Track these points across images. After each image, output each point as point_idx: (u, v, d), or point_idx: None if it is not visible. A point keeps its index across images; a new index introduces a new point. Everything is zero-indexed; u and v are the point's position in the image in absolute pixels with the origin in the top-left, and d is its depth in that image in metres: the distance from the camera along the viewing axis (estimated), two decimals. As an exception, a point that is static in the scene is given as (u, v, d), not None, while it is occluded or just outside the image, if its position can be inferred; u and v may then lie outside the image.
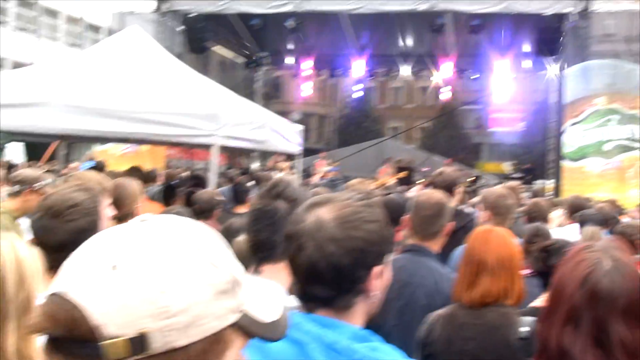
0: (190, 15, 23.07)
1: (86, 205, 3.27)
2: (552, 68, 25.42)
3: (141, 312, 1.11)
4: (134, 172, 9.02)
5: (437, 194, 4.56)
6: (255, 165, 26.26)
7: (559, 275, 2.37)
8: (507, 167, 52.81)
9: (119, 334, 1.09)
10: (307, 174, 23.66)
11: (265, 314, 1.30)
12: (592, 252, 2.34)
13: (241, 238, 3.91)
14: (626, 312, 2.18)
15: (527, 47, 26.08)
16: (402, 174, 24.68)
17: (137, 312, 1.11)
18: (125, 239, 1.19)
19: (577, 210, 8.44)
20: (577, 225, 7.72)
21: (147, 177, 9.25)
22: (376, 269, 1.97)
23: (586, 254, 2.34)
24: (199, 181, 10.31)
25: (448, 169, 6.78)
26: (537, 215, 7.30)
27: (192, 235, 1.23)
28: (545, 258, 4.12)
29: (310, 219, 1.96)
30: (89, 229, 3.07)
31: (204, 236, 1.25)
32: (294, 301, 2.06)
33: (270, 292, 1.38)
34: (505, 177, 30.37)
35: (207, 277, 1.19)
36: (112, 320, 1.10)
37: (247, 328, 1.25)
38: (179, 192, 9.28)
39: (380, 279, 2.00)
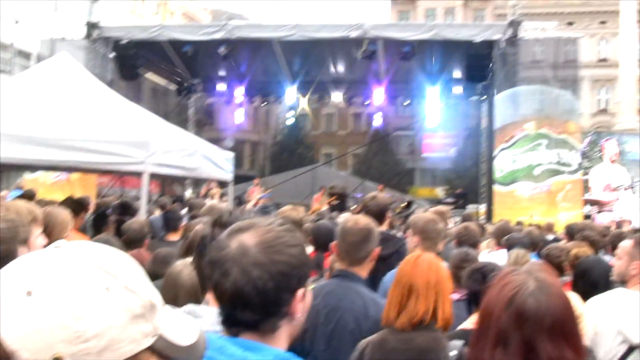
0: (122, 42, 22.93)
1: (2, 234, 3.24)
2: (482, 94, 25.84)
3: (56, 337, 1.12)
4: (68, 202, 8.86)
5: (363, 220, 4.57)
6: (188, 193, 26.11)
7: (486, 299, 2.41)
8: (439, 192, 53.56)
9: (34, 359, 1.10)
10: (240, 201, 23.63)
11: (182, 338, 1.31)
12: (517, 275, 2.38)
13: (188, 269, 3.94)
14: (553, 330, 2.22)
15: (457, 74, 26.47)
16: (334, 200, 24.81)
17: (52, 337, 1.11)
18: (40, 266, 1.20)
19: (504, 235, 8.59)
20: (504, 251, 7.85)
21: (80, 206, 9.08)
22: (299, 292, 2.00)
23: (511, 277, 2.38)
24: (126, 209, 10.22)
25: (380, 194, 6.82)
26: (467, 239, 7.38)
27: (106, 260, 1.24)
28: (481, 279, 4.20)
29: (234, 245, 1.98)
30: (4, 257, 3.03)
31: (118, 262, 1.26)
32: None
33: (187, 317, 1.40)
34: (438, 202, 30.68)
35: (122, 302, 1.20)
36: (27, 345, 1.10)
37: (163, 351, 1.26)
38: (110, 221, 9.19)
39: (302, 302, 2.03)
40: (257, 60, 25.39)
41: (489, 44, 21.72)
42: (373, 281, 4.99)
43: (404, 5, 66.46)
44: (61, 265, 1.20)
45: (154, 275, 3.41)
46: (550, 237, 11.70)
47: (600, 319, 4.65)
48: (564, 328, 2.25)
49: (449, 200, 31.19)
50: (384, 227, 6.47)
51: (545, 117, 20.89)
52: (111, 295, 1.19)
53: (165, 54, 24.89)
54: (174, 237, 8.43)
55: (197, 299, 3.72)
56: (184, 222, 8.98)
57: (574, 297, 5.40)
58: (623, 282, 4.91)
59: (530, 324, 2.22)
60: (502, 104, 21.43)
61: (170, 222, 9.01)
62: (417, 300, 3.75)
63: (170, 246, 6.84)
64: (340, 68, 27.21)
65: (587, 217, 21.31)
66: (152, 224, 9.87)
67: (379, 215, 6.34)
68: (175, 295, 3.81)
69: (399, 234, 7.96)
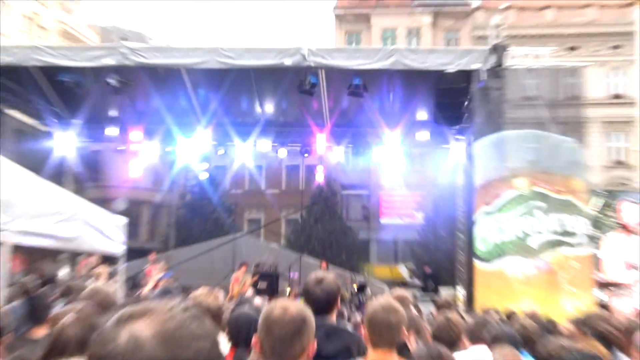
0: (-25, 68, 22.70)
1: None
2: (457, 141, 26.01)
3: None
4: None
5: (294, 306, 4.51)
6: (63, 272, 25.88)
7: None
8: (403, 271, 53.89)
9: None
10: (134, 283, 23.43)
11: None
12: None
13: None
14: None
15: (424, 115, 26.54)
16: (260, 281, 24.79)
17: None
18: None
19: (481, 328, 8.59)
20: (484, 347, 7.85)
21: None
22: (206, 396, 1.98)
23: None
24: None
25: (328, 275, 6.70)
26: (447, 334, 7.37)
27: None
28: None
29: (123, 337, 1.95)
30: None
31: None
32: None
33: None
34: (402, 284, 30.80)
35: None
36: None
37: None
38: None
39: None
40: (159, 95, 25.30)
41: (466, 75, 21.90)
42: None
43: (354, 25, 65.86)
44: None
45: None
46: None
47: None
48: None
49: (416, 282, 31.39)
50: (332, 318, 6.41)
51: (541, 171, 21.12)
52: None
53: (36, 84, 24.70)
54: (41, 332, 8.29)
55: None
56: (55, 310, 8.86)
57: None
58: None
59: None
60: (485, 154, 21.51)
61: (35, 312, 8.88)
62: None
63: (35, 345, 6.73)
64: (270, 107, 27.21)
65: (602, 305, 21.45)
66: (12, 314, 9.73)
67: (326, 304, 6.28)
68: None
69: (349, 326, 7.91)
